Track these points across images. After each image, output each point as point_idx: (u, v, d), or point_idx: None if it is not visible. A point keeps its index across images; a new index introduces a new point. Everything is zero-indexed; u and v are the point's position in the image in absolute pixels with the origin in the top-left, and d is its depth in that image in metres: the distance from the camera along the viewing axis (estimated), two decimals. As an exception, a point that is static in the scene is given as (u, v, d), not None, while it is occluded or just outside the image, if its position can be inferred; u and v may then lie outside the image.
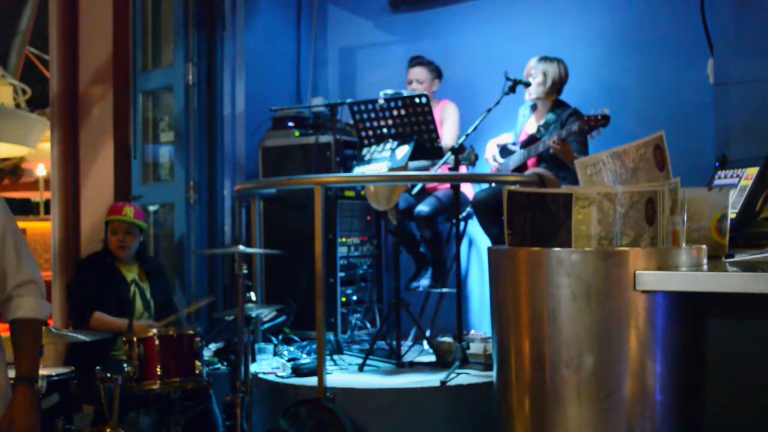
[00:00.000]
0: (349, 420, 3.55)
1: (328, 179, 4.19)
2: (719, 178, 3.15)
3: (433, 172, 4.27)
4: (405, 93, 4.42)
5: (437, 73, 4.94)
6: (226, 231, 5.44)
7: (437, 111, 4.83)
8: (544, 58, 4.43)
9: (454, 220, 4.35)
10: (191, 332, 3.66)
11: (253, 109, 5.47)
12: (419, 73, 4.90)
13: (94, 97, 5.91)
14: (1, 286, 2.40)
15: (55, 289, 6.00)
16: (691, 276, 1.88)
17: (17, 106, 11.46)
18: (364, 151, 4.35)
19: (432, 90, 4.90)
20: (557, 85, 4.42)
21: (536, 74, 4.41)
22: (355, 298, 4.87)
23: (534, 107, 4.59)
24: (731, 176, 3.05)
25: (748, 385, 1.90)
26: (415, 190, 4.52)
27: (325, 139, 4.94)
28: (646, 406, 1.91)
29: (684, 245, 2.00)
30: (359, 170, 4.31)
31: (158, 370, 3.50)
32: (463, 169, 4.43)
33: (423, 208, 4.56)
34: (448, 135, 4.68)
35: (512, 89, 4.33)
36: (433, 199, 4.61)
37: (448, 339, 4.24)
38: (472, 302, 5.11)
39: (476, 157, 4.37)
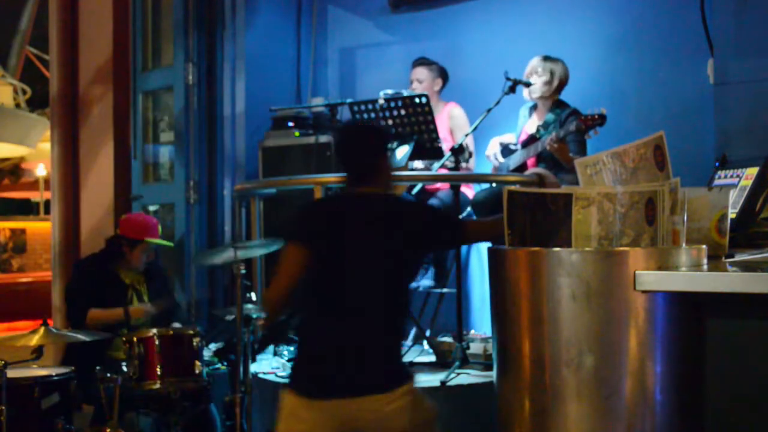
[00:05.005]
0: (349, 420, 3.55)
1: (328, 179, 4.18)
2: (719, 178, 3.15)
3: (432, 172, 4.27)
4: (405, 93, 4.42)
5: (439, 73, 4.93)
6: (226, 231, 5.44)
7: (444, 113, 4.82)
8: (549, 58, 4.42)
9: (454, 220, 4.35)
10: (191, 332, 3.66)
11: (253, 109, 5.47)
12: (420, 72, 4.89)
13: (94, 97, 5.92)
14: None
15: (55, 289, 6.01)
16: (691, 276, 1.88)
17: (17, 106, 11.48)
18: (364, 151, 4.34)
19: (434, 89, 4.88)
20: (562, 85, 4.43)
21: (543, 73, 4.40)
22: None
23: (534, 107, 4.59)
24: (731, 176, 3.05)
25: (748, 385, 1.90)
26: (415, 190, 4.52)
27: (325, 139, 4.94)
28: (646, 406, 1.91)
29: (684, 245, 2.00)
30: (359, 170, 4.30)
31: (158, 369, 3.51)
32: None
33: (425, 208, 4.56)
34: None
35: (512, 89, 4.32)
36: (435, 200, 4.61)
37: (448, 339, 4.24)
38: (472, 302, 5.11)
39: (470, 155, 4.37)
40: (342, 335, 2.67)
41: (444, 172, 4.33)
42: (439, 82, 4.91)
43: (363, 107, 4.29)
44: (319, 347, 2.70)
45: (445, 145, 4.39)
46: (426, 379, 3.74)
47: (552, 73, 4.40)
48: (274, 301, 2.77)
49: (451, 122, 4.82)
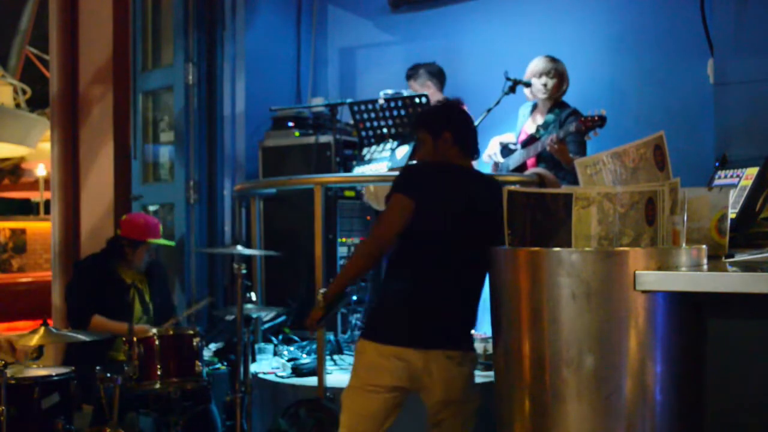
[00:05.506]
0: (349, 420, 3.55)
1: (328, 179, 4.18)
2: (719, 178, 3.15)
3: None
4: (405, 93, 4.43)
5: (428, 76, 4.91)
6: (226, 231, 5.44)
7: None
8: (555, 59, 4.42)
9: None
10: (191, 332, 3.66)
11: (253, 109, 5.47)
12: (411, 86, 4.93)
13: (94, 97, 5.92)
14: None
15: (55, 289, 6.01)
16: (691, 276, 1.88)
17: (17, 106, 11.48)
18: (364, 151, 4.35)
19: (428, 92, 4.88)
20: (567, 87, 4.43)
21: (555, 75, 4.38)
22: (355, 298, 4.87)
23: (534, 107, 4.59)
24: (731, 176, 3.05)
25: (748, 385, 1.90)
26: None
27: (325, 139, 4.94)
28: (646, 406, 1.91)
29: (684, 245, 2.00)
30: (359, 170, 4.31)
31: (158, 370, 3.50)
32: None
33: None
34: None
35: (512, 89, 4.32)
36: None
37: (448, 339, 4.23)
38: (472, 302, 5.10)
39: None
40: (435, 290, 2.84)
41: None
42: (430, 84, 4.90)
43: (363, 107, 4.30)
44: (411, 299, 2.83)
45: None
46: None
47: (562, 75, 4.40)
48: (377, 248, 2.88)
49: None
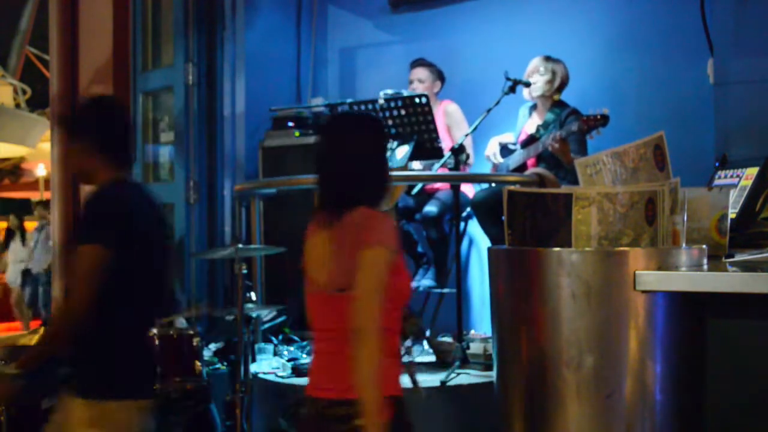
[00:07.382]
0: (349, 420, 3.54)
1: (328, 179, 4.17)
2: (719, 178, 3.15)
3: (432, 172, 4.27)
4: (405, 93, 4.42)
5: (439, 75, 4.92)
6: (226, 231, 5.44)
7: (440, 112, 4.81)
8: (551, 58, 4.42)
9: (454, 221, 4.35)
10: (191, 332, 3.66)
11: (253, 109, 5.47)
12: (420, 72, 4.88)
13: (94, 97, 5.91)
14: None
15: (55, 289, 6.01)
16: (691, 276, 1.88)
17: (17, 106, 11.49)
18: (364, 151, 4.33)
19: (433, 91, 4.88)
20: (563, 85, 4.43)
21: (546, 72, 4.39)
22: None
23: (534, 107, 4.59)
24: (731, 176, 3.05)
25: (748, 385, 1.90)
26: (415, 191, 4.52)
27: (325, 139, 4.92)
28: (646, 406, 1.91)
29: (684, 245, 2.00)
30: (359, 170, 4.28)
31: (158, 369, 3.50)
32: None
33: (431, 209, 4.55)
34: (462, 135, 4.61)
35: (512, 89, 4.32)
36: (438, 200, 4.61)
37: (448, 339, 4.24)
38: (472, 302, 5.11)
39: (468, 156, 4.36)
40: (144, 328, 2.58)
41: (444, 171, 4.33)
42: (438, 84, 4.90)
43: (363, 107, 4.30)
44: (140, 348, 2.48)
45: (443, 144, 4.39)
46: (426, 379, 3.74)
47: (554, 73, 4.40)
48: (76, 319, 2.33)
49: (447, 119, 4.81)
